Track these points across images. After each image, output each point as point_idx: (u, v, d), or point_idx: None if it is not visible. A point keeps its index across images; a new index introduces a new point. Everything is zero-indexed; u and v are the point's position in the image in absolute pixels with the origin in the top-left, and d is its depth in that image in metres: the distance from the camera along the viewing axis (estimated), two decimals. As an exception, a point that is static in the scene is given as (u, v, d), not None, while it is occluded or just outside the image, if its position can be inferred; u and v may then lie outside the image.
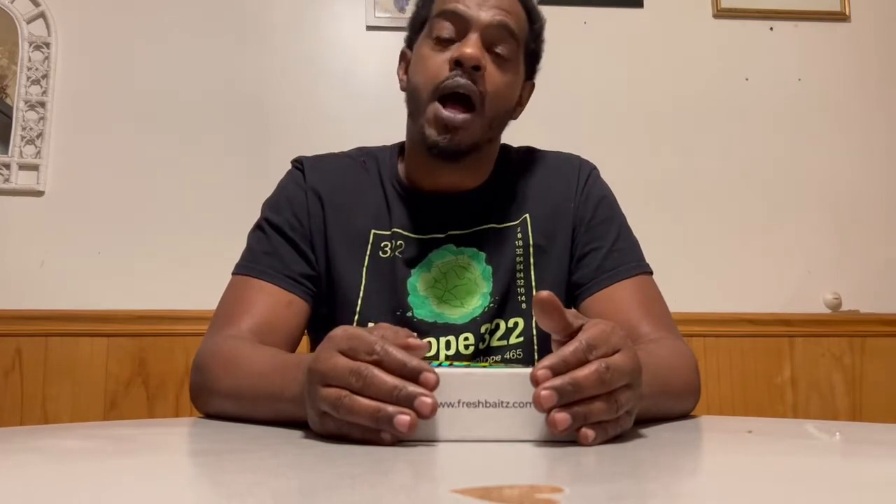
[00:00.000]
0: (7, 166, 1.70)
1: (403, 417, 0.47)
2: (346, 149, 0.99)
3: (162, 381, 1.62)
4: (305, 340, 0.94)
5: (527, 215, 0.91)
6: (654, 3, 1.91)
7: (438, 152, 0.83)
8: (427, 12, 0.88)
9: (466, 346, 0.85)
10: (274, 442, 0.54)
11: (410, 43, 0.92)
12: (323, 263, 0.88)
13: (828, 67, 1.92)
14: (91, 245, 1.71)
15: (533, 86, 0.94)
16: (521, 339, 0.87)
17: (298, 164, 0.94)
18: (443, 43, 0.84)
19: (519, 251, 0.89)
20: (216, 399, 0.73)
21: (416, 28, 0.90)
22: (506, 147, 0.96)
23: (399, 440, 0.49)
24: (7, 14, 1.76)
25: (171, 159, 1.76)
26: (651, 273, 0.90)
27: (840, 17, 1.93)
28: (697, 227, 1.83)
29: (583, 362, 0.49)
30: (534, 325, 0.87)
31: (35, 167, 1.72)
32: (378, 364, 0.50)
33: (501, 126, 0.90)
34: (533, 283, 0.88)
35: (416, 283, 0.87)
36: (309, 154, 0.96)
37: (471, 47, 0.81)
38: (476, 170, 0.91)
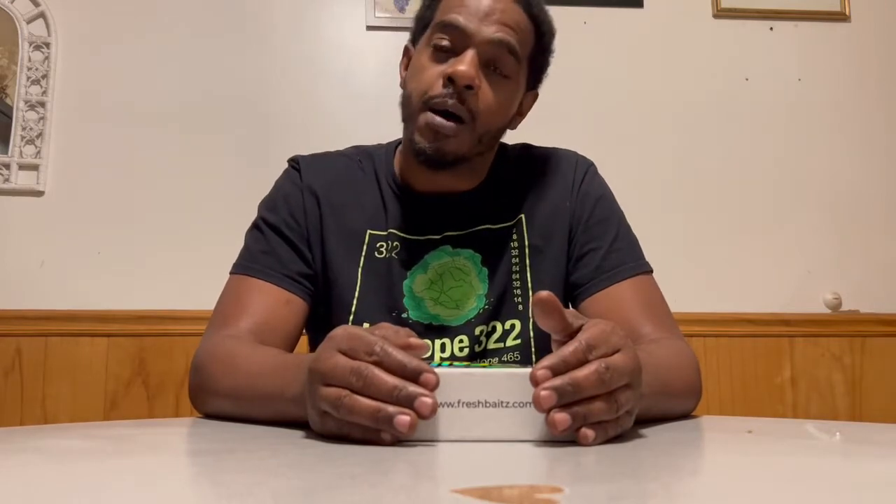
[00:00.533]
0: (7, 166, 1.70)
1: (403, 418, 0.47)
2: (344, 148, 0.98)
3: (162, 381, 1.62)
4: (304, 340, 0.94)
5: (522, 215, 0.90)
6: (654, 3, 1.91)
7: (425, 159, 0.83)
8: (432, 14, 0.87)
9: (461, 349, 0.85)
10: (274, 442, 0.54)
11: (414, 39, 0.91)
12: (319, 262, 0.88)
13: (828, 67, 1.92)
14: (91, 245, 1.71)
15: (536, 95, 0.93)
16: (518, 341, 0.87)
17: (295, 163, 0.94)
18: (441, 53, 0.83)
19: (514, 252, 0.89)
20: (215, 399, 0.73)
21: (421, 27, 0.89)
22: (503, 146, 0.96)
23: (399, 440, 0.49)
24: (7, 14, 1.76)
25: (171, 159, 1.76)
26: (651, 272, 0.90)
27: (840, 17, 1.93)
28: (697, 227, 1.83)
29: (583, 362, 0.49)
30: (531, 327, 0.87)
31: (35, 167, 1.72)
32: (378, 364, 0.50)
33: (495, 139, 0.89)
34: (529, 285, 0.88)
35: (412, 284, 0.87)
36: (307, 154, 0.96)
37: (465, 65, 0.79)
38: (470, 174, 0.90)
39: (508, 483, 0.37)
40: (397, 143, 0.95)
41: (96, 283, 1.68)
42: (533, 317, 0.86)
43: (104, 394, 1.61)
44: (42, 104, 1.74)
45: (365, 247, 0.88)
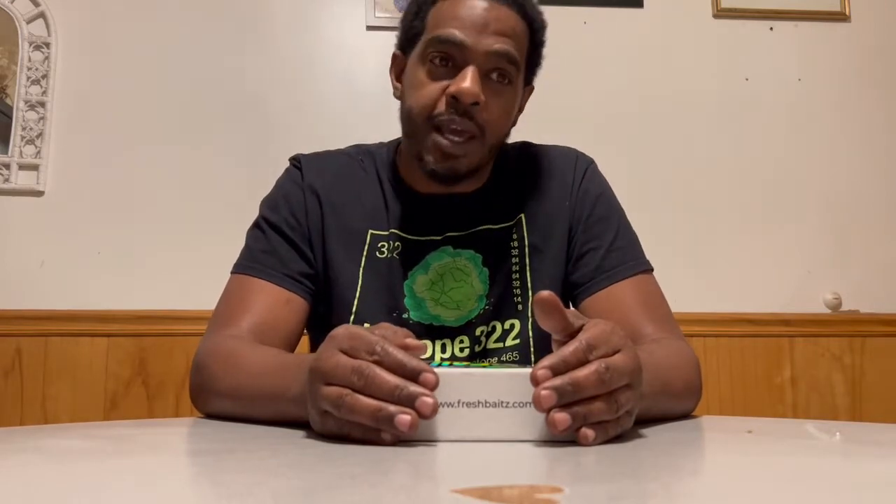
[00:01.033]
0: (7, 166, 1.70)
1: (404, 417, 0.47)
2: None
3: (162, 381, 1.62)
4: (305, 340, 0.94)
5: (522, 215, 0.90)
6: (654, 3, 1.91)
7: (435, 176, 0.83)
8: (422, 24, 0.84)
9: (462, 349, 0.85)
10: (274, 442, 0.54)
11: (403, 47, 0.89)
12: (320, 261, 0.88)
13: (828, 67, 1.92)
14: (91, 245, 1.71)
15: (532, 89, 0.93)
16: (518, 341, 0.87)
17: (296, 161, 0.94)
18: (438, 68, 0.81)
19: (515, 252, 0.89)
20: (216, 399, 0.73)
21: (411, 36, 0.86)
22: (503, 146, 0.96)
23: (399, 440, 0.49)
24: (7, 14, 1.76)
25: (171, 159, 1.76)
26: (651, 270, 0.89)
27: (840, 17, 1.93)
28: (697, 227, 1.83)
29: (583, 362, 0.49)
30: (530, 327, 0.87)
31: (35, 167, 1.72)
32: (378, 364, 0.50)
33: (501, 144, 0.89)
34: (529, 285, 0.88)
35: (413, 285, 0.87)
36: (308, 153, 0.96)
37: (469, 82, 0.78)
38: (474, 177, 0.90)
39: (508, 483, 0.37)
40: (398, 142, 0.94)
41: (96, 283, 1.68)
42: (532, 316, 0.86)
43: (104, 394, 1.61)
44: (42, 104, 1.74)
45: (366, 246, 0.88)
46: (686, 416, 0.74)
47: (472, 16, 0.80)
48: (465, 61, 0.80)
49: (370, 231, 0.89)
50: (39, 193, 1.72)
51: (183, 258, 1.71)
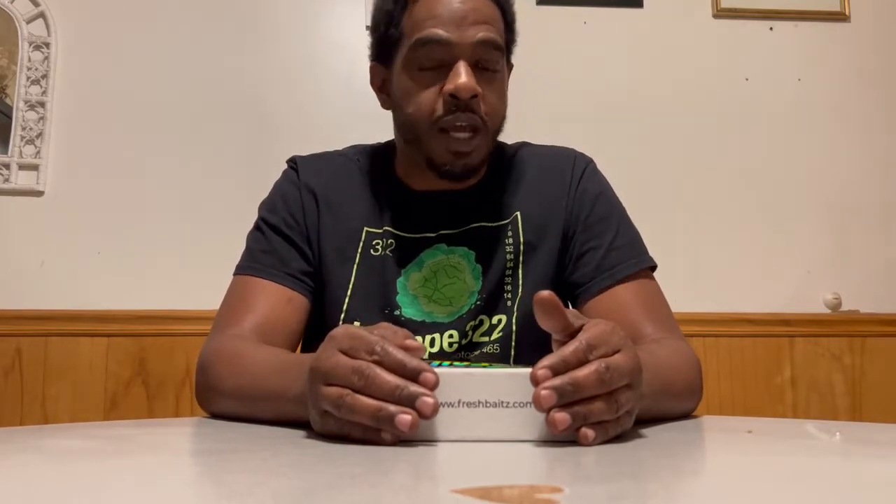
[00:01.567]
0: (7, 166, 1.70)
1: (405, 417, 0.47)
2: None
3: (162, 381, 1.62)
4: (305, 340, 0.94)
5: (518, 213, 0.90)
6: (654, 3, 1.91)
7: (453, 177, 0.84)
8: (398, 32, 0.84)
9: (450, 344, 0.85)
10: (275, 442, 0.54)
11: (379, 57, 0.88)
12: (317, 260, 0.89)
13: (828, 67, 1.92)
14: (91, 245, 1.71)
15: (511, 67, 0.92)
16: (501, 334, 0.87)
17: (293, 163, 0.95)
18: (428, 72, 0.82)
19: (510, 249, 0.89)
20: (220, 398, 0.73)
21: (387, 44, 0.86)
22: (500, 144, 0.96)
23: (400, 440, 0.49)
24: (7, 14, 1.76)
25: (172, 159, 1.76)
26: (654, 267, 0.89)
27: (840, 17, 1.93)
28: (697, 226, 1.83)
29: (583, 362, 0.49)
30: (514, 320, 0.87)
31: (35, 167, 1.72)
32: (378, 363, 0.50)
33: (501, 130, 0.89)
34: (520, 282, 0.88)
35: (406, 282, 0.87)
36: (306, 154, 0.96)
37: (464, 77, 0.79)
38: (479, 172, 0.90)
39: (508, 483, 0.37)
40: (394, 141, 0.95)
41: (96, 283, 1.68)
42: (518, 311, 0.86)
43: (104, 394, 1.61)
44: (42, 104, 1.74)
45: (361, 244, 0.89)
46: (686, 416, 0.74)
47: (449, 11, 0.81)
48: (453, 58, 0.80)
49: (365, 229, 0.89)
50: (39, 193, 1.72)
51: (183, 258, 1.71)
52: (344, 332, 0.53)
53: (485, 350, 0.86)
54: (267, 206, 0.92)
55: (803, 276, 1.83)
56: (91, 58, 1.78)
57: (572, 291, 0.89)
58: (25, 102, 1.73)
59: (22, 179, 1.71)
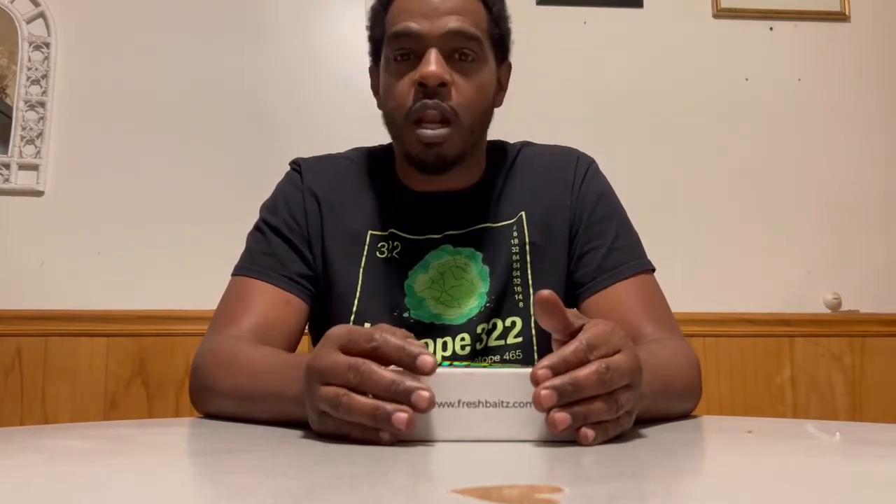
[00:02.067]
0: (7, 166, 1.70)
1: (401, 415, 0.47)
2: (346, 149, 0.99)
3: (162, 381, 1.62)
4: (306, 340, 0.94)
5: (522, 213, 0.90)
6: (654, 3, 1.91)
7: (426, 168, 0.84)
8: (382, 30, 0.86)
9: (463, 347, 0.85)
10: (273, 442, 0.54)
11: (373, 59, 0.91)
12: (320, 263, 0.89)
13: (828, 67, 1.92)
14: (91, 245, 1.71)
15: (510, 66, 0.93)
16: (520, 339, 0.87)
17: (296, 165, 0.94)
18: (403, 64, 0.83)
19: (515, 249, 0.89)
20: (216, 399, 0.73)
21: (377, 47, 0.89)
22: (502, 144, 0.96)
23: (399, 439, 0.49)
24: (7, 14, 1.76)
25: (171, 159, 1.76)
26: (653, 270, 0.90)
27: (840, 17, 1.93)
28: (697, 227, 1.83)
29: (583, 362, 0.49)
30: (533, 324, 0.87)
31: (35, 167, 1.72)
32: (377, 350, 0.50)
33: (485, 125, 0.89)
34: (530, 282, 0.88)
35: (413, 284, 0.87)
36: (308, 155, 0.96)
37: (431, 65, 0.79)
38: (467, 170, 0.90)
39: (508, 483, 0.37)
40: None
41: (96, 283, 1.68)
42: (535, 316, 0.86)
43: (104, 394, 1.61)
44: (42, 104, 1.74)
45: (366, 247, 0.88)
46: (686, 416, 0.74)
47: (420, 5, 0.82)
48: (424, 48, 0.81)
49: (370, 232, 0.89)
50: (39, 193, 1.72)
51: (183, 258, 1.71)
52: (341, 328, 0.53)
53: (505, 356, 0.86)
54: (269, 208, 0.92)
55: (803, 276, 1.83)
56: (91, 58, 1.78)
57: (574, 291, 0.89)
58: (25, 102, 1.73)
59: (22, 179, 1.71)
